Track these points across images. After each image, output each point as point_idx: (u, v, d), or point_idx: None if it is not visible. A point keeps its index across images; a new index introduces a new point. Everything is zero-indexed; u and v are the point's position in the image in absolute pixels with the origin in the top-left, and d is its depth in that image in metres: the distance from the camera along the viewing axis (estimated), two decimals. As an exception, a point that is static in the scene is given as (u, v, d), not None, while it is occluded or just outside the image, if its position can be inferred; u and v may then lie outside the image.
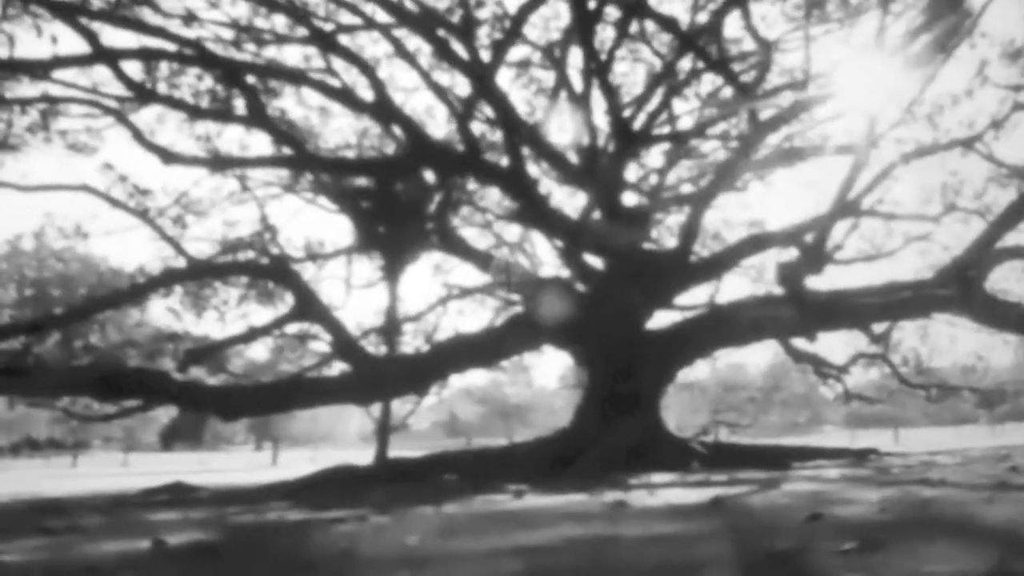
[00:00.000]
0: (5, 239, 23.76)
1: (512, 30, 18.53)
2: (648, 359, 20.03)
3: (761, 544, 5.12)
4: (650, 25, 21.38)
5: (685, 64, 22.06)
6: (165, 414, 40.32)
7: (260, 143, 21.45)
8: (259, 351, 27.14)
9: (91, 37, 15.22)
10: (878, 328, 24.56)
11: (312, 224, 49.10)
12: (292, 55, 37.84)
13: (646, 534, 5.70)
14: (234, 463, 50.84)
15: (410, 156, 18.41)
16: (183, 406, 20.65)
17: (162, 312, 22.94)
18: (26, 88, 18.13)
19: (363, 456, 26.05)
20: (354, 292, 23.90)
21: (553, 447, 19.70)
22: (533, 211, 19.48)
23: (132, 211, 19.55)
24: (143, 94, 16.95)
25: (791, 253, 23.76)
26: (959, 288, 18.86)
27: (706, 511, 7.19)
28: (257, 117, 17.41)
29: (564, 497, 10.23)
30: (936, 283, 19.55)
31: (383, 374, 19.69)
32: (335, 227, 60.62)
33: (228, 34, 18.41)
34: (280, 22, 19.13)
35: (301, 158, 18.50)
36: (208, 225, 23.20)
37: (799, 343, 24.75)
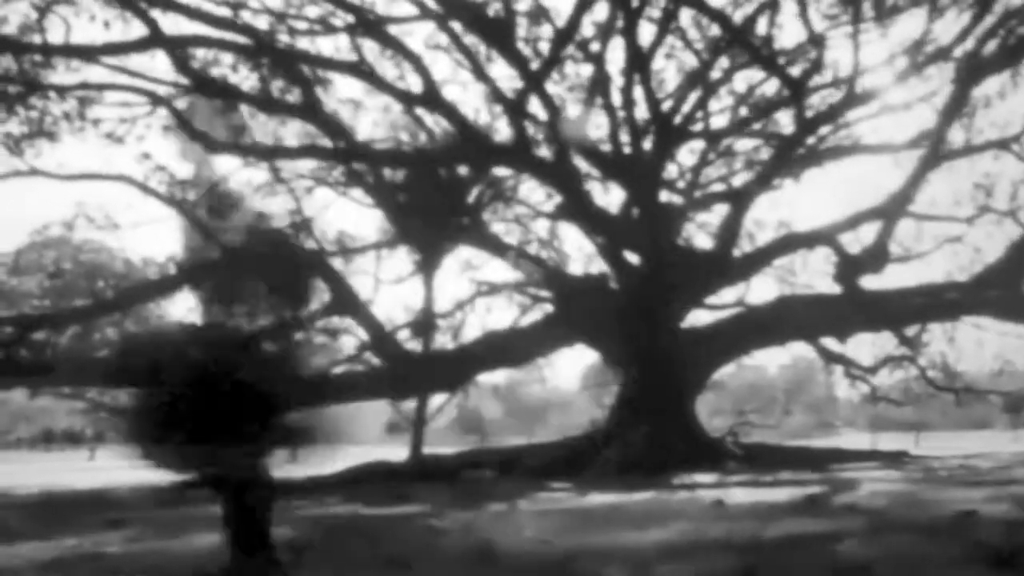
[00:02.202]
0: (33, 229, 23.60)
1: (567, 30, 18.40)
2: (685, 358, 19.90)
3: (974, 541, 4.94)
4: (686, 22, 21.27)
5: (719, 62, 21.92)
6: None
7: (290, 135, 21.13)
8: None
9: (151, 23, 15.09)
10: (908, 330, 24.39)
11: (341, 218, 48.90)
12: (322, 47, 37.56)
13: (808, 531, 5.53)
14: (253, 458, 50.45)
15: (460, 148, 18.28)
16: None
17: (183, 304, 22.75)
18: (62, 76, 18.00)
19: (381, 453, 25.89)
20: (381, 288, 23.76)
21: (584, 446, 19.59)
22: (577, 206, 19.33)
23: (169, 201, 19.38)
24: (201, 82, 16.81)
25: (821, 253, 23.87)
26: (1003, 290, 18.70)
27: (816, 509, 7.03)
28: (310, 108, 17.26)
29: (630, 495, 10.09)
30: (978, 285, 19.38)
31: (420, 370, 19.59)
32: (363, 222, 60.01)
33: (263, 24, 18.30)
34: (313, 12, 19.05)
35: (349, 149, 18.34)
36: (236, 217, 23.00)
37: (829, 344, 24.66)
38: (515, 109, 18.30)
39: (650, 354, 19.44)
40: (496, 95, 18.59)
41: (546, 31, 20.40)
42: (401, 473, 18.64)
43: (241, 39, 16.66)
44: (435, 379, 20.12)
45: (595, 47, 20.37)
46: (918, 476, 12.36)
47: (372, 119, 22.77)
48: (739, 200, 20.30)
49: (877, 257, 18.15)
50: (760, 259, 22.23)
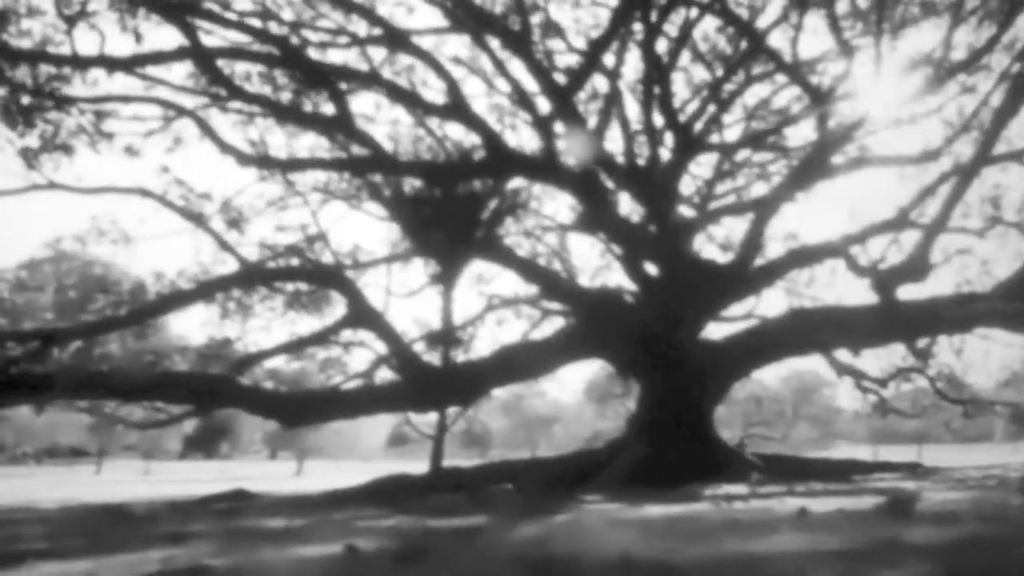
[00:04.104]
0: (45, 242, 23.42)
1: (600, 43, 18.50)
2: (703, 370, 19.89)
3: None
4: (699, 35, 21.41)
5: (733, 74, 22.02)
6: (188, 423, 39.73)
7: (302, 148, 20.99)
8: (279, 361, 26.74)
9: (191, 33, 15.04)
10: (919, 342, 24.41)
11: (351, 231, 49.06)
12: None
13: (958, 537, 5.49)
14: (258, 472, 50.10)
15: (491, 160, 18.27)
16: (250, 411, 20.33)
17: (193, 319, 22.71)
18: (77, 88, 17.85)
19: (387, 467, 25.85)
20: (392, 301, 23.71)
21: (605, 458, 19.56)
22: (602, 217, 19.38)
23: (188, 215, 19.31)
24: (233, 92, 16.75)
25: (828, 265, 23.98)
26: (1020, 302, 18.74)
27: (913, 516, 7.00)
28: (342, 120, 17.22)
29: (684, 506, 10.07)
30: (1003, 295, 19.38)
31: (439, 383, 19.52)
32: (374, 235, 59.88)
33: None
34: (331, 24, 19.03)
35: (379, 161, 18.28)
36: (250, 231, 22.91)
37: (841, 356, 24.71)
38: (544, 123, 18.40)
39: (670, 366, 19.43)
40: (529, 108, 18.68)
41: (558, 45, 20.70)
42: (422, 486, 18.56)
43: (272, 51, 16.63)
44: (454, 392, 20.04)
45: (610, 61, 20.48)
46: (965, 485, 12.34)
47: (384, 132, 22.88)
48: (763, 211, 20.32)
49: (919, 268, 18.25)
50: (776, 271, 22.24)
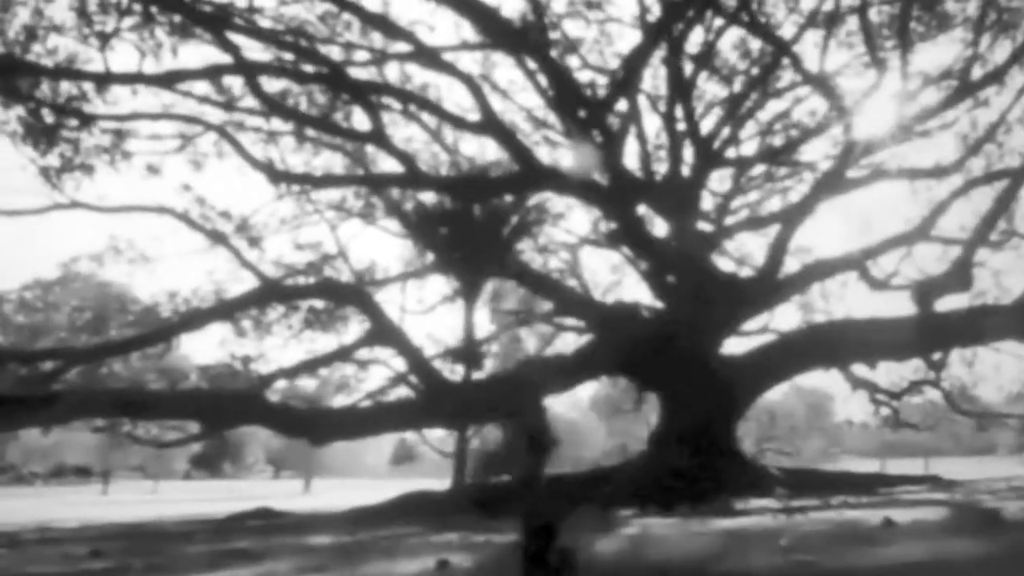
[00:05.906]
0: (57, 263, 23.28)
1: (626, 77, 18.63)
2: (729, 386, 19.80)
3: None
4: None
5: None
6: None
7: (319, 165, 20.92)
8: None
9: (233, 50, 15.00)
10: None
11: (364, 249, 48.77)
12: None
13: None
14: (267, 491, 49.62)
15: (523, 175, 18.23)
16: (277, 430, 20.13)
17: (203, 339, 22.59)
18: (96, 106, 17.75)
19: (396, 485, 25.72)
20: (406, 318, 23.62)
21: (637, 474, 19.45)
22: (631, 232, 19.40)
23: (211, 234, 19.23)
24: (273, 108, 16.70)
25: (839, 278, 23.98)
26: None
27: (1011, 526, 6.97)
28: (378, 134, 17.15)
29: (747, 520, 10.02)
30: (1017, 309, 19.37)
31: (464, 400, 19.38)
32: (387, 252, 59.51)
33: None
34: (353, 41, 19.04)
35: (413, 176, 18.18)
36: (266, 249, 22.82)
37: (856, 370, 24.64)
38: (576, 138, 18.46)
39: (695, 381, 19.33)
40: (567, 127, 18.81)
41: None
42: (445, 502, 18.46)
43: (315, 68, 16.63)
44: (477, 409, 19.91)
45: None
46: (1003, 495, 12.33)
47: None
48: (786, 225, 20.30)
49: (962, 279, 18.29)
50: (796, 284, 22.15)
